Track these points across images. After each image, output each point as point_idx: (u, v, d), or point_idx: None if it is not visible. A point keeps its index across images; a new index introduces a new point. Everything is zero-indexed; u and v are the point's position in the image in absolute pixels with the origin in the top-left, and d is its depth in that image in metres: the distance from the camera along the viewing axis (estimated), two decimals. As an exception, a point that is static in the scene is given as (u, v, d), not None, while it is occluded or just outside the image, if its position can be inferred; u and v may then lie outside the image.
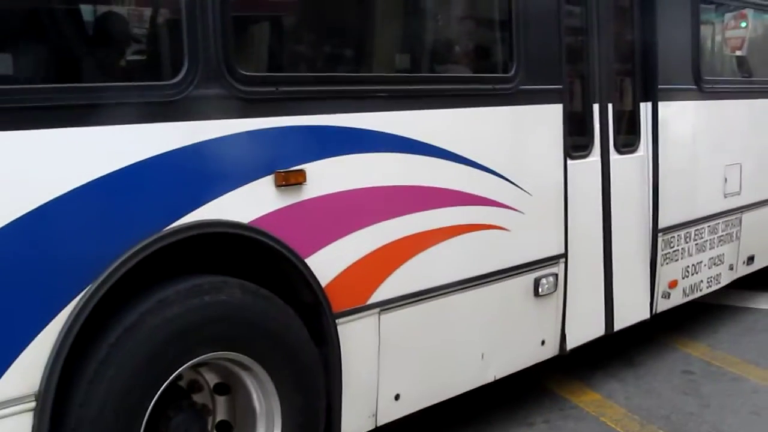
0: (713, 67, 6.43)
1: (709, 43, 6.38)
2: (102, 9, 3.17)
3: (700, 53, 5.91)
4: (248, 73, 3.15)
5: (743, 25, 6.95)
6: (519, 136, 4.43)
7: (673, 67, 5.62)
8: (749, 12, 6.92)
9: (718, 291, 6.38)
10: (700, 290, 6.12)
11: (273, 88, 3.24)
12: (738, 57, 6.90)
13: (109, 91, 2.80)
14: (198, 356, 3.04)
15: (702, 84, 5.89)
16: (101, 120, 2.76)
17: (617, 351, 5.76)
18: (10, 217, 2.55)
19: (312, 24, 3.65)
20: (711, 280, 6.23)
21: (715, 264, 6.24)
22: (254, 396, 3.30)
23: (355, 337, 3.60)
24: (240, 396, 3.32)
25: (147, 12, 3.14)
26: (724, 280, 6.41)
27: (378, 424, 3.79)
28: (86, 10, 3.10)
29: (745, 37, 6.83)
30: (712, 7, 6.39)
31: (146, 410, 2.87)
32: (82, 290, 2.73)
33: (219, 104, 3.06)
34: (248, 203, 3.17)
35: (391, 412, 3.84)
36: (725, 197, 6.27)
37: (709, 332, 6.37)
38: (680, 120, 5.69)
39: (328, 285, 3.47)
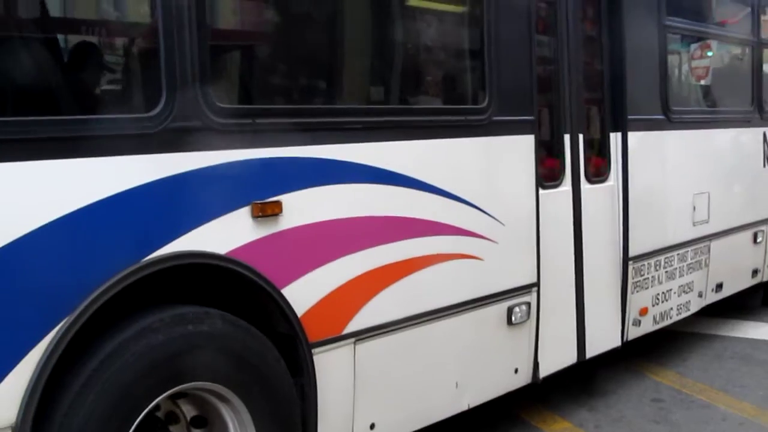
0: (681, 97, 6.56)
1: (676, 74, 6.50)
2: (79, 40, 3.19)
3: (667, 83, 6.04)
4: (225, 106, 3.20)
5: (709, 54, 7.12)
6: (492, 166, 4.51)
7: (642, 98, 5.74)
8: (714, 42, 7.10)
9: (687, 318, 6.45)
10: (671, 317, 6.21)
11: (249, 120, 3.28)
12: (705, 87, 7.06)
13: (87, 124, 2.83)
14: (178, 386, 3.06)
15: (670, 114, 6.02)
16: (79, 152, 2.78)
17: (587, 379, 5.80)
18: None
19: (287, 57, 3.70)
20: (681, 308, 6.33)
21: (684, 291, 6.34)
22: (231, 427, 3.32)
23: (330, 367, 3.63)
24: (216, 428, 3.34)
25: (124, 44, 3.18)
26: (694, 308, 6.51)
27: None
28: (63, 41, 3.13)
29: (709, 66, 6.99)
30: (679, 37, 6.52)
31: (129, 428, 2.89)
32: (60, 321, 2.74)
33: (196, 136, 3.10)
34: (225, 234, 3.20)
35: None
36: (694, 225, 6.38)
37: (679, 360, 6.44)
38: (649, 150, 5.80)
39: (304, 315, 3.50)
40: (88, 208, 2.79)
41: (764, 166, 7.49)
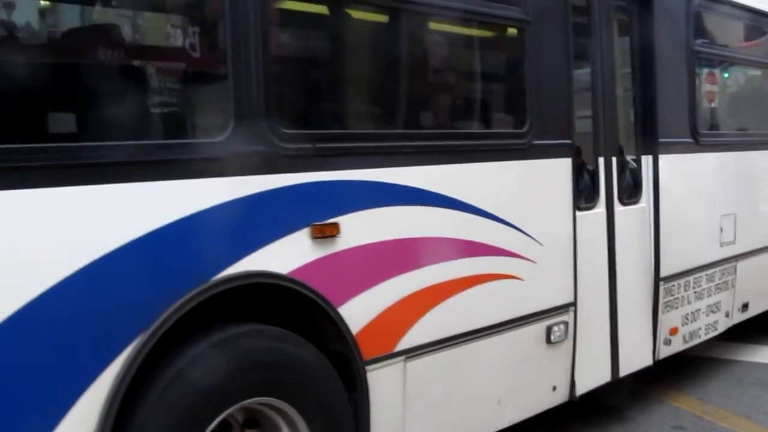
0: (708, 120, 6.64)
1: (703, 97, 6.59)
2: (155, 69, 3.32)
3: (696, 107, 6.14)
4: (288, 131, 3.31)
5: (730, 76, 7.22)
6: (531, 188, 4.61)
7: (672, 122, 5.84)
8: (739, 66, 7.20)
9: (706, 342, 6.42)
10: (699, 337, 6.28)
11: (310, 145, 3.39)
12: (731, 110, 7.15)
13: (161, 148, 2.95)
14: (243, 401, 3.15)
15: (698, 137, 6.11)
16: (156, 175, 2.90)
17: (606, 404, 5.70)
18: (68, 270, 2.67)
19: (344, 85, 3.81)
20: (709, 327, 6.40)
21: (712, 311, 6.41)
22: None
23: (382, 383, 3.72)
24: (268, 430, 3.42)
25: (197, 73, 3.29)
26: (721, 327, 6.57)
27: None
28: (143, 72, 3.25)
29: (735, 90, 7.08)
30: (706, 61, 6.62)
31: None
32: (135, 338, 2.84)
33: (261, 160, 3.21)
34: (287, 254, 3.31)
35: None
36: (721, 246, 6.46)
37: (699, 385, 6.33)
38: (679, 172, 5.90)
39: (359, 333, 3.60)
40: (161, 230, 2.89)
41: (788, 187, 7.55)
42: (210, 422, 3.06)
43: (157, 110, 3.15)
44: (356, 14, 3.86)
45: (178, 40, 3.25)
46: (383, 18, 4.12)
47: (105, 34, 3.16)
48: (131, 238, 2.83)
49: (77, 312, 2.69)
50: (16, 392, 2.57)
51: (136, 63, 3.29)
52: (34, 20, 3.01)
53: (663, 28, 5.71)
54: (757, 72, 7.64)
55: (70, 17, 3.03)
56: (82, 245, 2.72)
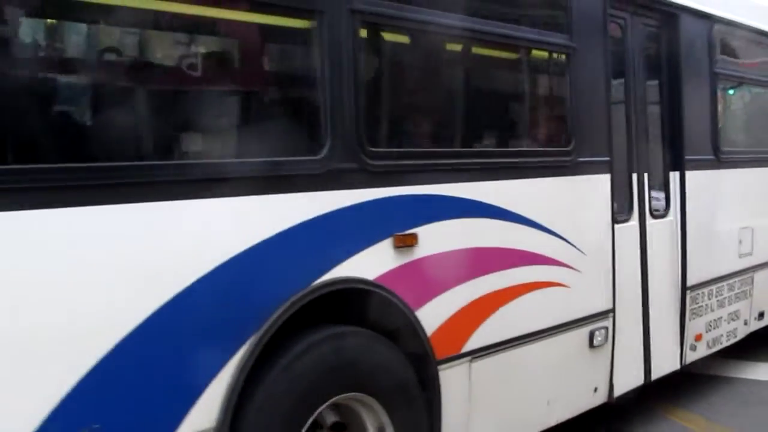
0: (728, 138, 6.97)
1: (723, 116, 6.92)
2: (269, 94, 3.63)
3: (717, 126, 6.48)
4: (375, 150, 3.61)
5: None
6: (576, 202, 4.92)
7: (696, 140, 6.16)
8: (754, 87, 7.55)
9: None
10: (721, 343, 6.59)
11: (393, 162, 3.70)
12: (748, 128, 7.49)
13: (273, 165, 3.25)
14: (339, 394, 3.44)
15: (719, 154, 6.44)
16: (264, 190, 3.19)
17: (612, 421, 5.70)
18: (200, 272, 2.96)
19: (420, 108, 4.13)
20: (729, 334, 6.71)
21: (732, 319, 6.72)
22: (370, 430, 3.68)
23: (451, 383, 4.01)
24: None
25: (302, 98, 3.59)
26: (740, 334, 6.89)
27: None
28: (256, 96, 3.57)
29: (752, 109, 7.43)
30: (727, 84, 6.96)
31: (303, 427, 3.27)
32: (250, 337, 3.12)
33: (352, 176, 3.51)
34: (373, 262, 3.60)
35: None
36: (740, 257, 6.77)
37: (705, 404, 6.29)
38: (703, 187, 6.21)
39: (432, 335, 3.88)
40: (274, 237, 3.19)
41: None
42: (311, 413, 3.34)
43: (269, 131, 3.44)
44: (430, 45, 4.18)
45: (287, 68, 3.55)
46: (455, 48, 4.46)
47: (224, 65, 3.47)
48: (247, 246, 3.12)
49: (206, 311, 2.98)
50: (162, 379, 2.85)
51: (252, 89, 3.59)
52: (166, 53, 3.30)
53: (688, 51, 6.05)
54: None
55: (194, 47, 3.32)
56: (207, 253, 3.00)
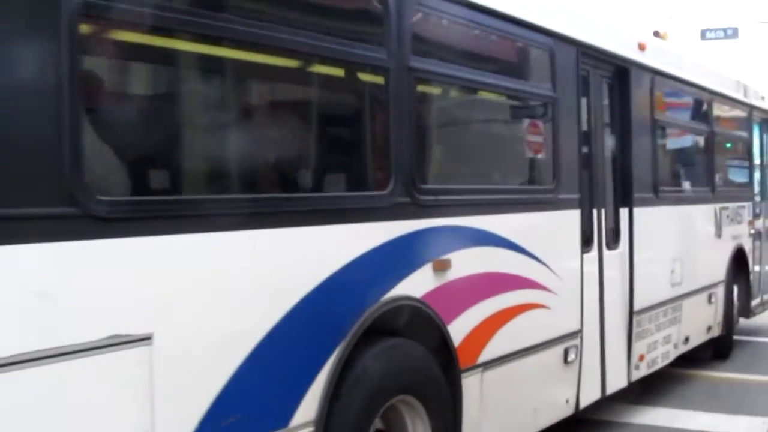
0: (662, 178, 8.19)
1: (660, 158, 8.13)
2: (355, 137, 4.48)
3: (657, 167, 7.68)
4: (423, 186, 4.50)
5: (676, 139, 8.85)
6: (556, 233, 5.93)
7: (640, 179, 7.32)
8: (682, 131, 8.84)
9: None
10: (657, 364, 7.73)
11: (433, 197, 4.59)
12: (677, 169, 8.77)
13: (354, 199, 4.10)
14: (397, 396, 4.28)
15: (658, 192, 7.63)
16: (350, 219, 4.03)
17: None
18: (307, 288, 3.77)
19: (454, 150, 5.07)
20: (663, 356, 7.87)
21: (666, 342, 7.89)
22: (409, 426, 4.52)
23: (469, 389, 4.89)
24: None
25: (374, 140, 4.45)
26: (671, 356, 8.07)
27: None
28: (327, 134, 4.44)
29: (680, 151, 8.71)
30: (663, 129, 8.19)
31: (371, 424, 4.09)
32: (341, 342, 3.94)
33: (407, 209, 4.38)
34: (418, 282, 4.47)
35: (484, 452, 5.13)
36: (672, 286, 7.97)
37: None
38: (645, 222, 7.35)
39: (458, 347, 4.77)
40: (357, 259, 4.02)
41: (717, 237, 9.23)
42: (378, 411, 4.16)
43: (354, 169, 4.31)
44: (461, 97, 5.15)
45: (364, 116, 4.42)
46: (479, 99, 5.46)
47: (323, 116, 4.32)
48: (339, 266, 3.94)
49: (312, 321, 3.78)
50: (281, 378, 3.64)
51: (345, 135, 4.46)
52: (280, 106, 4.12)
53: (636, 100, 7.22)
54: (695, 136, 9.33)
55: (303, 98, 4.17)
56: (312, 271, 3.82)
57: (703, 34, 25.71)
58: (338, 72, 4.43)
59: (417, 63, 4.47)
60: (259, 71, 4.09)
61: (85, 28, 2.88)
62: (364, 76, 4.42)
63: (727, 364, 9.54)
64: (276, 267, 3.65)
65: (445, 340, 4.68)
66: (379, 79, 4.30)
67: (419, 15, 4.52)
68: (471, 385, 4.91)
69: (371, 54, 4.23)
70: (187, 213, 3.25)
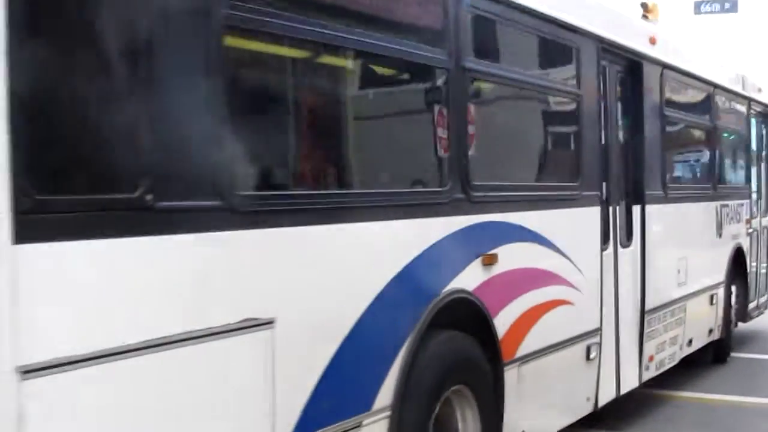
0: (670, 175, 9.18)
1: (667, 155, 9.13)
2: (415, 140, 5.32)
3: (665, 164, 8.66)
4: (475, 183, 5.36)
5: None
6: (579, 230, 6.85)
7: (651, 176, 8.29)
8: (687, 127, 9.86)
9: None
10: (664, 366, 8.71)
11: (482, 194, 5.45)
12: (683, 166, 9.78)
13: (422, 195, 4.95)
14: (454, 385, 5.12)
15: (666, 190, 8.61)
16: (417, 215, 4.87)
17: None
18: (389, 276, 4.60)
19: (497, 151, 5.95)
20: (670, 358, 8.86)
21: (672, 344, 8.88)
22: (458, 415, 5.37)
23: (509, 382, 5.76)
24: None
25: (436, 140, 5.28)
26: (677, 359, 9.07)
27: (513, 453, 5.94)
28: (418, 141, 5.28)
29: (686, 148, 9.73)
30: (671, 125, 9.19)
31: (434, 412, 4.93)
32: (412, 332, 4.76)
33: (461, 205, 5.23)
34: (470, 276, 5.32)
35: (519, 444, 6.01)
36: (678, 286, 8.96)
37: None
38: (656, 219, 8.32)
39: (501, 340, 5.64)
40: (427, 250, 4.87)
41: (717, 236, 10.29)
42: (441, 396, 5.00)
43: (419, 167, 5.19)
44: (507, 96, 6.07)
45: (428, 117, 5.27)
46: (523, 98, 6.43)
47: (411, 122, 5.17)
48: (409, 259, 4.77)
49: (391, 309, 4.61)
50: (370, 364, 4.47)
51: (416, 137, 5.30)
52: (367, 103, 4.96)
53: (647, 95, 8.19)
54: (697, 131, 10.37)
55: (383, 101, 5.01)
56: (390, 261, 4.65)
57: (697, 7, 26.47)
58: (408, 74, 5.29)
59: (471, 63, 5.33)
60: (364, 81, 5.01)
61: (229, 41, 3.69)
62: (429, 77, 5.26)
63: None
64: (365, 257, 4.48)
65: (491, 334, 5.53)
66: (441, 80, 5.16)
67: (472, 17, 5.38)
68: (511, 377, 5.78)
69: (434, 56, 5.08)
70: (304, 207, 4.08)
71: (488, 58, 5.68)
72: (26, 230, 2.87)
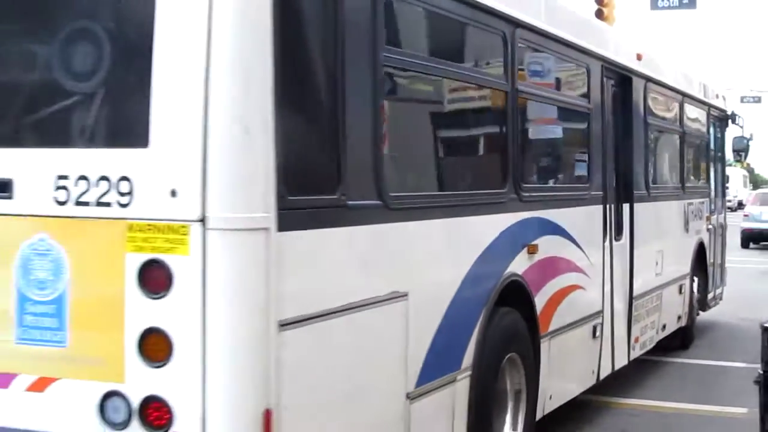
0: (651, 176, 10.71)
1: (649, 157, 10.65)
2: (492, 149, 6.71)
3: (648, 165, 10.20)
4: (524, 184, 6.77)
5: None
6: (589, 225, 8.31)
7: (638, 177, 9.81)
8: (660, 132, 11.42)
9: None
10: (645, 347, 10.24)
11: (527, 194, 6.86)
12: (658, 168, 11.35)
13: (491, 195, 6.36)
14: (510, 353, 6.52)
15: (649, 189, 10.15)
16: (489, 211, 6.27)
17: None
18: (472, 259, 5.99)
19: (535, 156, 7.39)
20: (650, 340, 10.39)
21: (651, 327, 10.42)
22: (508, 381, 6.76)
23: (545, 353, 7.18)
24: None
25: (498, 148, 6.67)
26: (654, 341, 10.61)
27: (543, 414, 7.35)
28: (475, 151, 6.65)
29: (661, 151, 11.31)
30: (651, 131, 10.72)
31: (497, 374, 6.32)
32: (485, 306, 6.14)
33: (515, 203, 6.64)
34: (518, 263, 6.72)
35: (547, 407, 7.42)
36: (656, 276, 10.50)
37: None
38: (641, 216, 9.83)
39: (539, 316, 7.05)
40: (495, 240, 6.26)
41: (685, 232, 11.88)
42: (503, 359, 6.39)
43: (487, 171, 6.59)
44: (542, 112, 7.53)
45: (497, 128, 6.67)
46: (551, 113, 7.89)
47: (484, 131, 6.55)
48: (484, 247, 6.16)
49: (475, 287, 6.00)
50: (461, 331, 5.85)
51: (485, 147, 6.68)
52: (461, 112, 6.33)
53: (635, 105, 9.71)
54: (671, 136, 11.95)
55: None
56: (473, 246, 6.04)
57: (654, 3, 26.99)
58: (486, 99, 6.74)
59: (521, 86, 6.74)
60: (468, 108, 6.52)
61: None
62: (496, 99, 6.67)
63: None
64: (461, 245, 5.88)
65: (533, 311, 6.95)
66: (502, 100, 6.57)
67: (521, 46, 6.79)
68: (545, 350, 7.20)
69: (499, 81, 6.49)
70: (431, 205, 5.48)
71: (530, 81, 7.12)
72: (284, 222, 4.19)
